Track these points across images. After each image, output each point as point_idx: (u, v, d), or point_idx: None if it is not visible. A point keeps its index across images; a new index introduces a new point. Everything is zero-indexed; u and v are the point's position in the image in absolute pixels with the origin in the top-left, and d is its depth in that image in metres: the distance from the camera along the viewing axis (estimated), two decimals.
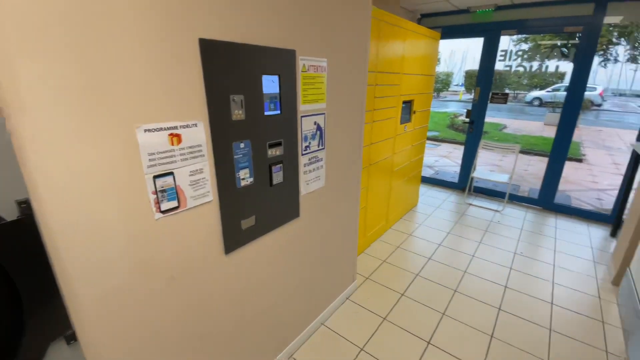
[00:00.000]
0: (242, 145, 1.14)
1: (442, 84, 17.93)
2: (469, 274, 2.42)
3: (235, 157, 1.13)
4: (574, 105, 3.24)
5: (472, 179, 3.82)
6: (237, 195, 1.17)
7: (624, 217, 2.98)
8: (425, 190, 4.11)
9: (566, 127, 3.32)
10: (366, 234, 2.66)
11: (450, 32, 3.64)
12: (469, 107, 3.83)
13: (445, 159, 6.35)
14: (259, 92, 1.15)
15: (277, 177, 1.30)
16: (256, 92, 1.15)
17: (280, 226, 1.41)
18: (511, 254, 2.70)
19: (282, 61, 1.22)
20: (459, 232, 3.07)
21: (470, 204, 3.73)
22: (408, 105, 2.88)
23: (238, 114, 1.11)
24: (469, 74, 15.87)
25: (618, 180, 5.00)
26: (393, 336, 1.83)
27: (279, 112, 1.24)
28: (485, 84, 3.65)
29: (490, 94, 3.68)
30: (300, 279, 1.65)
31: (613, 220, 3.14)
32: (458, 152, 6.80)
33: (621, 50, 13.47)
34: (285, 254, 1.49)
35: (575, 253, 2.73)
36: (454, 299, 2.14)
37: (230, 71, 1.05)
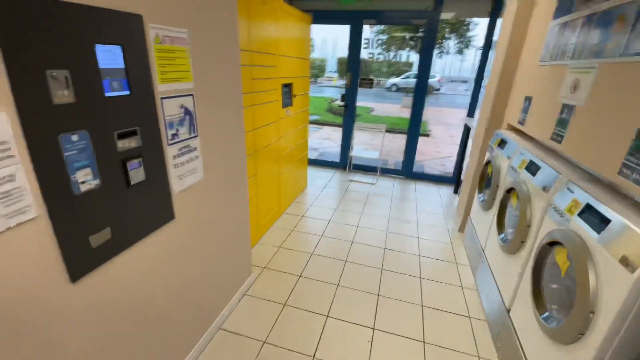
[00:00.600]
0: (74, 137, 0.85)
1: (318, 69, 18.92)
2: (356, 243, 2.65)
3: (65, 154, 0.84)
4: (422, 90, 3.87)
5: (350, 157, 4.17)
6: (76, 205, 0.88)
7: (462, 177, 3.79)
8: (313, 172, 4.27)
9: (418, 109, 3.95)
10: (260, 223, 2.57)
11: (321, 17, 3.76)
12: (344, 92, 4.11)
13: (327, 140, 6.76)
14: (93, 66, 0.88)
15: (137, 174, 1.05)
16: (88, 67, 0.87)
17: (151, 234, 1.17)
18: (386, 219, 3.09)
19: (125, 28, 0.96)
20: (344, 207, 3.32)
21: (351, 180, 4.08)
22: (288, 88, 2.85)
23: (63, 95, 0.82)
24: (340, 61, 17.22)
25: (455, 149, 6.44)
26: (294, 320, 1.84)
27: (127, 92, 0.99)
28: (354, 70, 3.96)
29: (359, 80, 4.03)
30: (186, 287, 1.44)
31: (454, 180, 3.98)
32: (338, 134, 7.34)
33: (451, 43, 17.07)
34: (162, 264, 1.26)
35: (431, 211, 3.33)
36: (346, 269, 2.30)
37: (46, 38, 0.75)
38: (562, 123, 1.55)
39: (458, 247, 2.68)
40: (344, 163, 4.42)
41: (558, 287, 1.32)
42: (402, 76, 16.41)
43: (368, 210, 3.26)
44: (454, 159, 5.67)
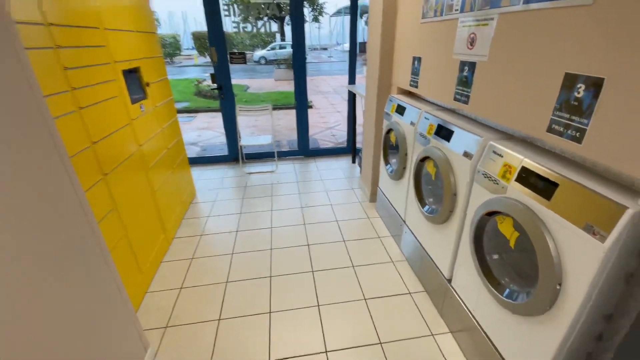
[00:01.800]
0: None
1: (173, 47, 16.38)
2: (276, 249, 2.28)
3: None
4: (301, 61, 3.56)
5: (241, 147, 3.64)
6: None
7: (359, 146, 3.79)
8: (199, 174, 3.56)
9: (301, 82, 3.66)
10: (142, 269, 1.88)
11: None
12: (212, 71, 3.44)
13: (207, 130, 5.89)
14: None
15: None
16: None
17: None
18: (299, 210, 2.80)
19: None
20: (249, 207, 2.86)
21: (249, 173, 3.59)
22: (135, 76, 2.08)
23: None
24: (196, 36, 15.26)
25: (338, 117, 6.57)
26: None
27: None
28: (218, 44, 3.32)
29: (229, 55, 3.42)
30: None
31: (349, 150, 3.96)
32: (217, 120, 6.49)
33: (306, 11, 17.23)
34: None
35: (338, 187, 3.21)
36: (274, 285, 1.93)
37: None
38: (463, 82, 1.48)
39: (375, 219, 2.63)
40: (234, 154, 3.85)
41: (506, 257, 1.29)
42: (268, 48, 15.83)
43: (277, 205, 2.89)
44: (342, 127, 5.81)
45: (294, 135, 4.08)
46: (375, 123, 2.56)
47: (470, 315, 1.43)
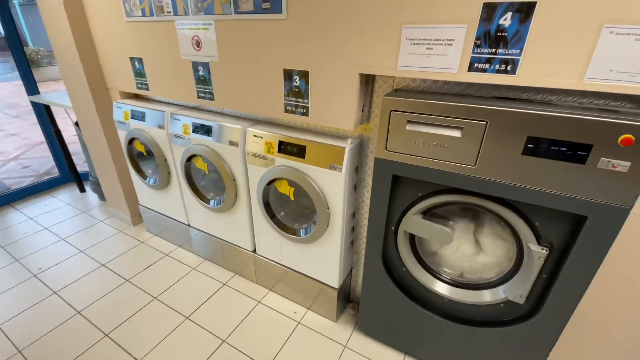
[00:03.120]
0: None
1: None
2: (36, 341, 1.55)
3: None
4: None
5: None
6: None
7: (83, 169, 3.01)
8: None
9: None
10: None
11: None
12: None
13: None
14: None
15: None
16: None
17: None
18: (33, 279, 1.97)
19: None
20: None
21: None
22: None
23: None
24: None
25: (18, 141, 4.51)
26: None
27: None
28: None
29: None
30: None
31: (70, 178, 3.07)
32: None
33: None
34: None
35: (78, 227, 2.50)
36: None
37: None
38: (203, 81, 1.62)
39: (149, 239, 2.35)
40: None
41: (293, 209, 1.67)
42: None
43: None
44: (35, 153, 4.04)
45: None
46: (106, 136, 2.17)
47: (280, 265, 1.76)
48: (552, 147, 0.90)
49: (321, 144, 1.33)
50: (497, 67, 0.95)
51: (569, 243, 1.01)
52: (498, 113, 0.94)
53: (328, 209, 1.42)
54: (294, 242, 1.63)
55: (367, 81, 1.27)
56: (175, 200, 2.06)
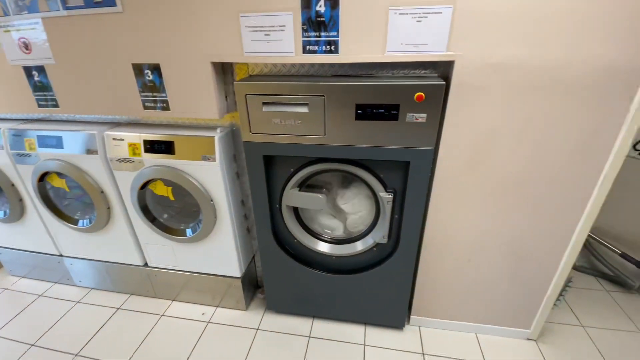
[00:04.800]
0: None
1: None
2: None
3: None
4: None
5: None
6: None
7: None
8: None
9: None
10: None
11: None
12: None
13: None
14: None
15: None
16: None
17: None
18: None
19: None
20: None
21: None
22: None
23: None
24: None
25: None
26: None
27: None
28: None
29: None
30: None
31: None
32: None
33: None
34: None
35: None
36: None
37: None
38: (41, 87, 1.43)
39: (15, 283, 1.96)
40: None
41: (175, 209, 1.61)
42: None
43: None
44: None
45: None
46: None
47: (177, 272, 1.70)
48: (374, 111, 1.11)
49: (189, 136, 1.33)
50: (324, 48, 1.11)
51: (405, 185, 1.26)
52: (331, 87, 1.10)
53: (212, 201, 1.43)
54: (185, 244, 1.58)
55: (225, 70, 1.32)
56: (37, 231, 1.76)
